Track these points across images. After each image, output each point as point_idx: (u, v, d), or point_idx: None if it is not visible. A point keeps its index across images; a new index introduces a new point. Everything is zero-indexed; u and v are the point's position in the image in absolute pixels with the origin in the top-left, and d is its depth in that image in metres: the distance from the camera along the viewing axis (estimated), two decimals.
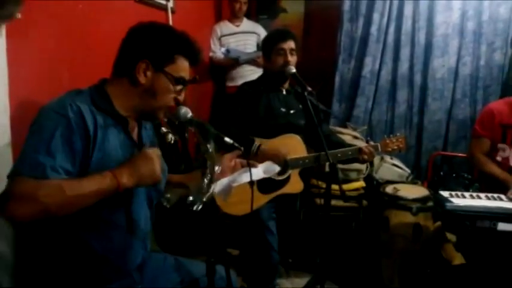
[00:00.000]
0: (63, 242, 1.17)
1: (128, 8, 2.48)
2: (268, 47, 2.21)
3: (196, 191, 1.20)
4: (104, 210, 1.17)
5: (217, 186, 1.40)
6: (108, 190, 1.07)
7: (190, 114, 1.30)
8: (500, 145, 2.36)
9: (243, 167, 1.48)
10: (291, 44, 2.15)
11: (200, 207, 1.18)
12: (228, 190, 1.45)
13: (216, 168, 1.25)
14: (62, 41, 1.98)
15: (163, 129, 1.31)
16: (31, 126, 1.11)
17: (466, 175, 2.75)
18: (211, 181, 1.22)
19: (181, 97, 1.29)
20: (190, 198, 1.19)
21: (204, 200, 1.19)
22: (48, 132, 1.08)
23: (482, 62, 3.29)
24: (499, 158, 2.37)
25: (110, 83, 1.26)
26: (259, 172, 1.57)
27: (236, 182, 1.46)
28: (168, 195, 1.26)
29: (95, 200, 1.07)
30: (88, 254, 1.19)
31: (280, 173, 2.08)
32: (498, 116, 2.36)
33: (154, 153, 1.17)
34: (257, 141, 2.04)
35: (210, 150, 1.24)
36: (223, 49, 3.63)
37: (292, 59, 2.15)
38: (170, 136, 1.31)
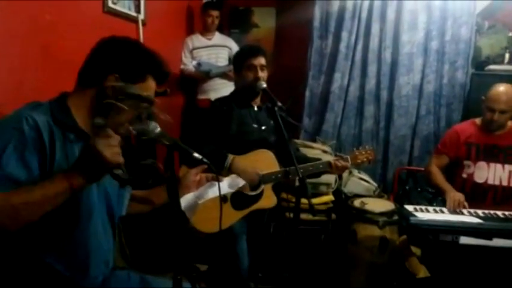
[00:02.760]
0: (22, 258, 1.13)
1: (97, 19, 2.45)
2: (239, 63, 2.23)
3: None
4: (63, 226, 1.13)
5: (183, 202, 1.38)
6: (60, 192, 1.01)
7: (158, 129, 1.29)
8: (465, 162, 2.47)
9: (208, 181, 1.47)
10: (261, 60, 2.18)
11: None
12: (193, 207, 1.43)
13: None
14: (26, 51, 1.94)
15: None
16: None
17: (430, 189, 2.84)
18: None
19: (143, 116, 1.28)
20: None
21: None
22: (0, 146, 1.04)
23: (445, 80, 3.42)
24: (464, 175, 2.48)
25: (72, 95, 1.22)
26: (224, 186, 1.56)
27: (202, 198, 1.44)
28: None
29: (49, 206, 1.01)
30: (47, 272, 1.15)
31: (253, 189, 2.08)
32: (463, 135, 2.50)
33: (99, 139, 1.03)
34: (230, 157, 2.04)
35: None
36: (194, 62, 3.63)
37: (263, 74, 2.18)
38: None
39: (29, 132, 1.06)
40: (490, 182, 2.42)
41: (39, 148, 1.08)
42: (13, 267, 1.13)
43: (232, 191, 1.64)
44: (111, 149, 1.03)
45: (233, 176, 1.63)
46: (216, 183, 1.56)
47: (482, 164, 2.44)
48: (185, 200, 1.40)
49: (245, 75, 2.19)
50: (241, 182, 1.64)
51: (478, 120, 2.53)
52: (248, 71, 2.17)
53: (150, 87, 1.25)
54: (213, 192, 1.39)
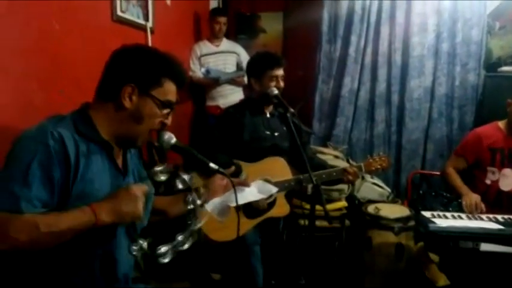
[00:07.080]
0: (41, 275, 1.11)
1: (106, 28, 2.44)
2: (260, 71, 2.17)
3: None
4: (85, 245, 1.12)
5: (210, 207, 1.38)
6: (85, 226, 1.03)
7: (174, 139, 1.27)
8: (489, 168, 2.37)
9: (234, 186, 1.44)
10: (282, 71, 2.17)
11: (168, 259, 1.17)
12: (225, 210, 1.42)
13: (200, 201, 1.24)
14: (36, 60, 1.92)
15: (156, 168, 1.28)
16: (8, 155, 1.06)
17: (445, 194, 2.78)
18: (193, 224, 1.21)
19: (168, 121, 1.26)
20: (162, 249, 1.16)
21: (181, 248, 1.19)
22: (25, 161, 1.03)
23: (457, 83, 3.37)
24: (488, 181, 2.37)
25: (93, 107, 1.21)
26: (253, 192, 1.53)
27: (232, 201, 1.42)
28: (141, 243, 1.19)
29: (72, 235, 1.03)
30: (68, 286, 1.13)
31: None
32: (486, 140, 2.38)
33: (140, 190, 1.12)
34: (242, 165, 2.01)
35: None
36: (203, 69, 3.62)
37: (283, 84, 2.17)
38: (161, 177, 1.28)
39: (54, 147, 1.06)
40: None
41: (64, 162, 1.07)
42: (30, 281, 1.12)
43: (264, 196, 1.61)
44: (142, 201, 1.11)
45: (260, 182, 1.59)
46: (244, 188, 1.57)
47: (508, 171, 2.32)
48: (212, 205, 1.40)
49: (266, 85, 2.14)
50: (273, 189, 1.60)
51: (501, 124, 2.41)
52: (270, 81, 2.14)
53: (169, 90, 1.22)
54: (241, 197, 1.37)
